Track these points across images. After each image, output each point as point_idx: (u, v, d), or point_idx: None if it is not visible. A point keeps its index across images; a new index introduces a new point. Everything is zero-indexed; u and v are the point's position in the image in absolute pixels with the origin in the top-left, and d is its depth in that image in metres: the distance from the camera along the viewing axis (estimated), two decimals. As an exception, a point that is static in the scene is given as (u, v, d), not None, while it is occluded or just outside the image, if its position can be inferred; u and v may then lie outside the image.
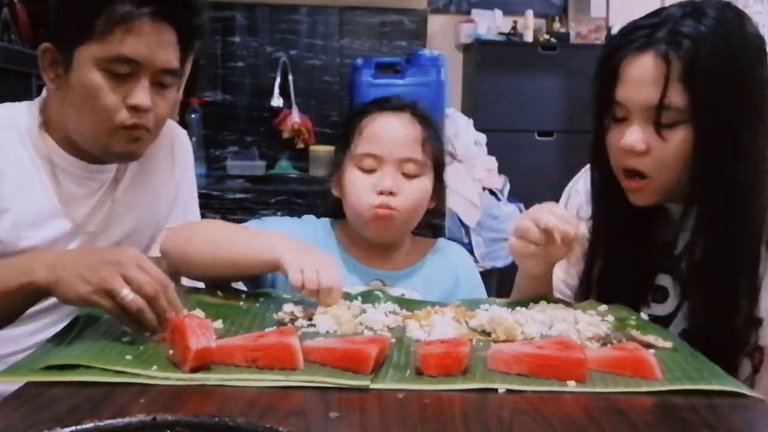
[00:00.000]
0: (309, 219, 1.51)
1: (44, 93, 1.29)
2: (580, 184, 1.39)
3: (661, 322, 1.18)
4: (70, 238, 1.27)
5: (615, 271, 1.25)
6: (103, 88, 1.17)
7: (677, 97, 1.08)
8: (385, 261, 1.44)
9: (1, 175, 1.21)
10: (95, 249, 1.14)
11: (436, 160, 1.44)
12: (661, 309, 1.23)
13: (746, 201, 1.11)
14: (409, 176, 1.39)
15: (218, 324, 1.07)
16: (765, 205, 1.13)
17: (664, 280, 1.23)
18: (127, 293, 0.94)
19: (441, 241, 1.56)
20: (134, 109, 1.18)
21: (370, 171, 1.39)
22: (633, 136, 1.12)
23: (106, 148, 1.21)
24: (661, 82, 1.08)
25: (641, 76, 1.11)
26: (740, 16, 1.13)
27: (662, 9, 1.16)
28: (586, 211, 1.33)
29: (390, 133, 1.40)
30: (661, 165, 1.12)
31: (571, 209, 1.37)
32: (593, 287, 1.28)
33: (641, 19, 1.17)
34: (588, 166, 1.32)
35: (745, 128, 1.10)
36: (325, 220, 1.50)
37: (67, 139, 1.26)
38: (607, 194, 1.24)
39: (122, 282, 0.95)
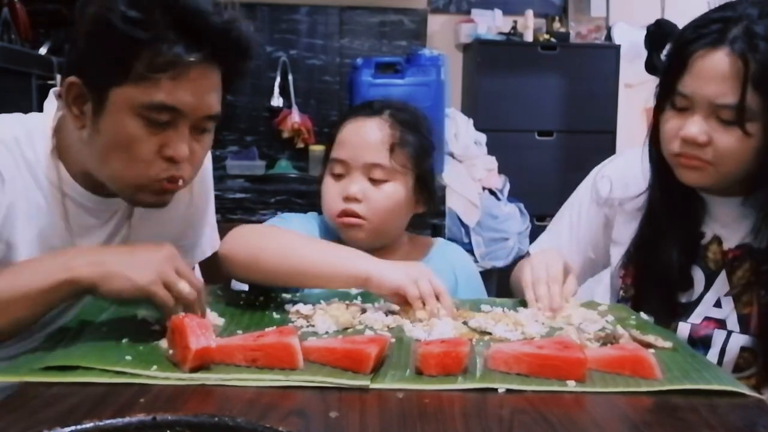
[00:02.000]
0: (313, 216, 1.52)
1: (52, 105, 1.16)
2: (608, 171, 1.40)
3: (683, 308, 1.23)
4: None
5: (664, 255, 1.25)
6: (139, 137, 1.04)
7: (752, 97, 1.08)
8: None
9: (4, 207, 1.10)
10: (137, 245, 1.08)
11: (415, 165, 1.40)
12: (684, 296, 1.25)
13: None
14: (376, 182, 1.37)
15: (219, 320, 1.08)
16: None
17: (692, 269, 1.25)
18: (183, 286, 0.96)
19: (440, 241, 1.55)
20: (170, 160, 1.06)
21: (338, 177, 1.39)
22: (695, 127, 1.13)
23: (134, 198, 1.11)
24: (734, 81, 1.08)
25: (713, 72, 1.11)
26: None
27: (736, 2, 1.15)
28: (615, 193, 1.35)
29: (357, 138, 1.39)
30: (723, 155, 1.13)
31: (600, 194, 1.38)
32: (639, 270, 1.30)
33: (713, 11, 1.16)
34: (615, 158, 1.39)
35: None
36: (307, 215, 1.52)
37: (82, 171, 1.14)
38: (665, 177, 1.24)
39: (176, 276, 0.97)
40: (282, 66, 3.43)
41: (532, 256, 1.29)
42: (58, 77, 1.24)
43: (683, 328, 1.24)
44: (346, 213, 1.37)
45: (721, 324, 1.22)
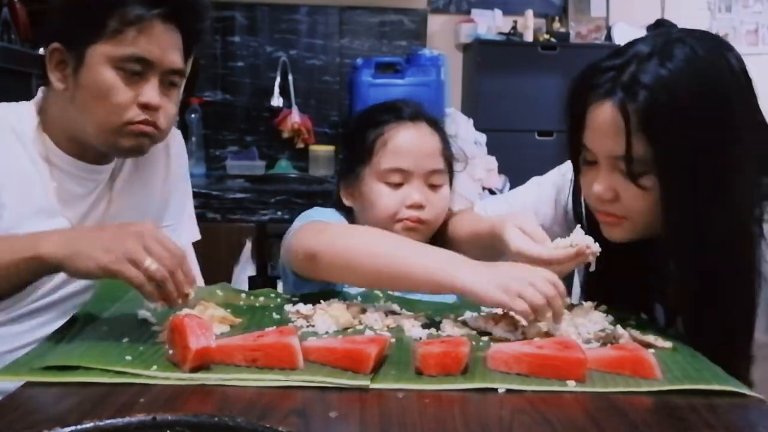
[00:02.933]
0: (332, 212, 1.48)
1: (39, 94, 1.30)
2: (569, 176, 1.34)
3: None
4: None
5: (614, 292, 1.21)
6: (116, 86, 1.19)
7: (640, 148, 1.04)
8: None
9: None
10: (108, 225, 1.12)
11: (450, 166, 1.46)
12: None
13: (731, 253, 1.06)
14: (435, 187, 1.40)
15: (235, 320, 1.08)
16: (757, 259, 1.07)
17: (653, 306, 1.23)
18: (150, 263, 0.96)
19: None
20: (145, 107, 1.21)
21: (396, 185, 1.39)
22: (599, 185, 1.11)
23: (115, 143, 1.22)
24: (622, 134, 1.04)
25: (602, 126, 1.08)
26: (718, 52, 1.07)
27: (632, 44, 1.11)
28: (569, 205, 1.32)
29: (416, 146, 1.40)
30: (632, 209, 1.10)
31: (560, 201, 1.37)
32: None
33: (607, 58, 1.12)
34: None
35: (718, 175, 1.04)
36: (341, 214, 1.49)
37: (66, 139, 1.26)
38: (598, 228, 1.18)
39: (145, 252, 0.96)
40: (282, 66, 3.43)
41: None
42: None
43: (632, 310, 1.20)
44: (409, 219, 1.38)
45: None
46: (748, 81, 1.08)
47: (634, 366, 0.91)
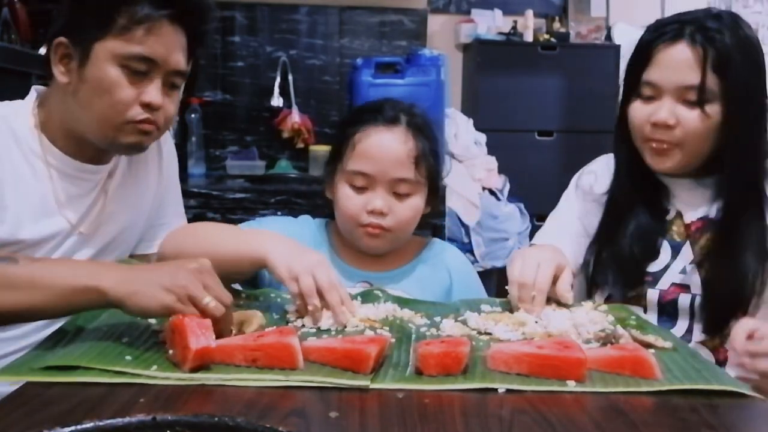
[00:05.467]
0: (305, 219, 1.50)
1: (33, 93, 1.30)
2: (593, 166, 1.52)
3: (652, 277, 1.35)
4: (65, 237, 1.27)
5: (627, 230, 1.37)
6: (120, 83, 1.20)
7: (711, 79, 1.25)
8: (375, 262, 1.43)
9: None
10: (166, 263, 1.12)
11: (431, 174, 1.40)
12: (653, 266, 1.36)
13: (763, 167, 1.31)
14: (401, 195, 1.37)
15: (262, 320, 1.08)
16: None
17: (659, 243, 1.37)
18: (209, 300, 0.96)
19: (434, 242, 1.53)
20: (147, 106, 1.22)
21: (361, 189, 1.36)
22: (664, 111, 1.28)
23: (115, 139, 1.23)
24: (696, 67, 1.25)
25: (677, 59, 1.27)
26: (747, 25, 1.32)
27: (684, 13, 1.33)
28: (597, 186, 1.47)
29: (383, 151, 1.35)
30: (689, 134, 1.27)
31: (582, 186, 1.51)
32: (604, 248, 1.40)
33: (667, 18, 1.35)
34: (600, 157, 1.51)
35: (761, 105, 1.30)
36: (320, 221, 1.50)
37: (63, 136, 1.27)
38: (631, 164, 1.38)
39: (203, 291, 0.97)
40: (282, 66, 3.43)
41: (526, 249, 1.35)
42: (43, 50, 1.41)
43: (652, 294, 1.35)
44: (370, 225, 1.36)
45: (685, 289, 1.33)
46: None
47: (634, 366, 0.91)
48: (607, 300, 1.37)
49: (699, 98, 1.25)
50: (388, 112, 1.40)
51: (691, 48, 1.26)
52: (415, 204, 1.39)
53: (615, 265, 1.38)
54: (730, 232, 1.30)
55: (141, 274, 1.00)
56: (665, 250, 1.36)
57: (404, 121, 1.38)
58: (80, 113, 1.23)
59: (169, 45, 1.22)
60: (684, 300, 1.33)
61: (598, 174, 1.48)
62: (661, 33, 1.30)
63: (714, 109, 1.26)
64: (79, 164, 1.29)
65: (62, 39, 1.21)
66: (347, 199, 1.37)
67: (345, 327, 1.09)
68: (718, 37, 1.26)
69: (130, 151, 1.30)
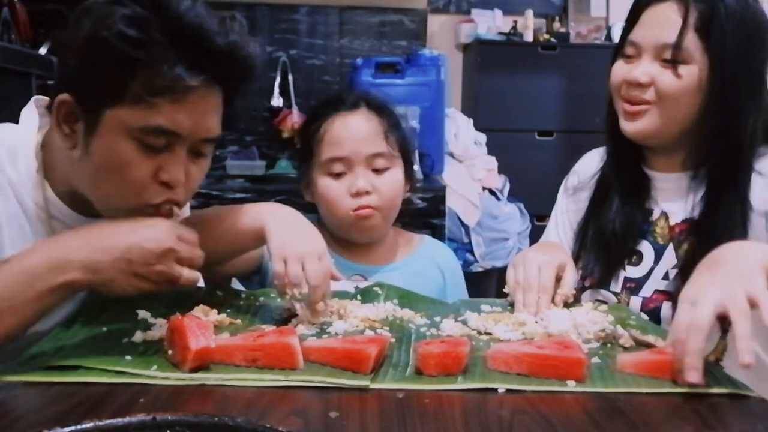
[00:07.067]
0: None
1: (34, 118, 1.11)
2: (577, 165, 1.50)
3: (635, 283, 1.29)
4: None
5: (612, 219, 1.33)
6: (133, 161, 0.98)
7: (691, 41, 1.19)
8: (367, 255, 1.45)
9: None
10: (126, 224, 0.97)
11: (402, 147, 1.44)
12: (635, 271, 1.31)
13: (750, 147, 1.22)
14: (380, 171, 1.39)
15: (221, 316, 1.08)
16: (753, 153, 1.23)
17: (642, 245, 1.31)
18: (188, 274, 0.94)
19: (426, 239, 1.56)
20: (165, 185, 1.01)
21: (340, 175, 1.38)
22: (638, 69, 1.23)
23: None
24: (676, 25, 1.19)
25: (659, 18, 1.22)
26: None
27: None
28: (579, 184, 1.44)
29: (351, 132, 1.39)
30: (664, 95, 1.22)
31: (567, 186, 1.48)
32: (586, 240, 1.37)
33: None
34: (586, 154, 1.48)
35: (754, 78, 1.22)
36: (312, 215, 1.51)
37: (69, 191, 1.09)
38: (618, 153, 1.35)
39: (179, 268, 0.94)
40: (282, 66, 3.43)
41: (525, 252, 1.30)
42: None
43: (635, 302, 1.29)
44: (360, 207, 1.37)
45: (669, 296, 1.26)
46: None
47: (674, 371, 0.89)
48: (594, 287, 1.35)
49: (672, 56, 1.20)
50: (347, 99, 1.44)
51: (676, 5, 1.21)
52: (396, 178, 1.41)
53: (598, 245, 1.33)
54: (709, 231, 1.22)
55: (106, 258, 0.91)
56: (648, 253, 1.30)
57: (364, 104, 1.43)
58: (86, 185, 1.03)
59: (198, 113, 0.99)
60: (666, 309, 1.25)
61: (580, 172, 1.46)
62: None
63: (690, 71, 1.20)
64: (85, 219, 1.10)
65: (66, 97, 0.99)
66: (329, 189, 1.39)
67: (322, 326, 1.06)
68: (711, 0, 1.19)
69: None
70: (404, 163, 1.45)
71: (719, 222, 1.21)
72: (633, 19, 1.27)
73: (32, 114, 1.13)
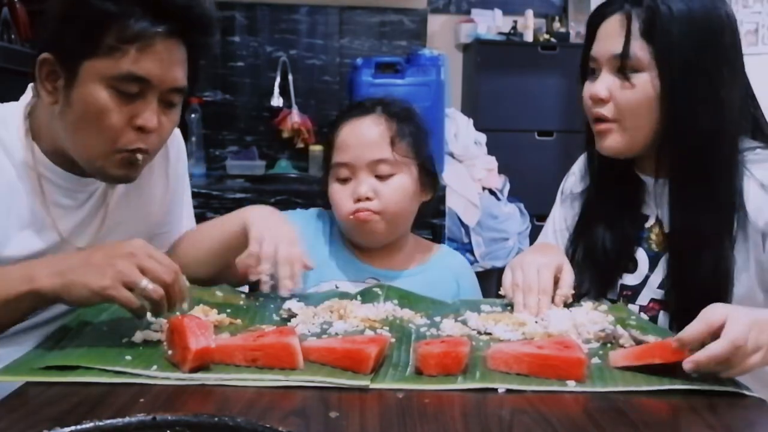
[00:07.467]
0: (319, 211, 1.53)
1: (28, 96, 1.21)
2: (574, 167, 1.47)
3: (631, 291, 1.28)
4: (56, 251, 1.18)
5: (601, 237, 1.32)
6: (109, 108, 1.08)
7: (639, 48, 1.18)
8: (384, 260, 1.45)
9: None
10: (99, 247, 1.05)
11: (417, 154, 1.42)
12: (631, 279, 1.30)
13: (713, 150, 1.19)
14: (383, 177, 1.38)
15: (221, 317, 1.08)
16: (733, 157, 1.20)
17: (637, 252, 1.30)
18: (146, 283, 0.95)
19: (443, 248, 1.57)
20: (140, 130, 1.11)
21: (345, 180, 1.39)
22: (597, 85, 1.23)
23: (102, 170, 1.14)
24: (623, 35, 1.19)
25: (609, 31, 1.22)
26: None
27: None
28: (576, 186, 1.43)
29: (356, 138, 1.39)
30: (623, 109, 1.21)
31: (564, 188, 1.47)
32: (579, 250, 1.35)
33: None
34: (582, 156, 1.43)
35: (707, 78, 1.18)
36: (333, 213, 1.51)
37: (56, 150, 1.17)
38: (601, 164, 1.32)
39: (140, 273, 0.95)
40: (282, 66, 3.43)
41: (523, 255, 1.29)
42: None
43: (632, 310, 1.27)
44: (359, 210, 1.37)
45: (664, 305, 1.25)
46: (735, 28, 1.22)
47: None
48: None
49: (622, 65, 1.19)
50: (366, 104, 1.45)
51: (621, 17, 1.20)
52: (401, 184, 1.40)
53: (589, 264, 1.32)
54: (682, 241, 1.21)
55: (71, 264, 0.98)
56: (642, 260, 1.29)
57: (379, 110, 1.43)
58: (67, 137, 1.13)
59: (165, 62, 1.10)
60: (663, 319, 1.25)
61: (577, 173, 1.45)
62: (607, 3, 1.26)
63: (642, 79, 1.18)
64: (74, 176, 1.20)
65: (47, 56, 1.10)
66: (335, 193, 1.41)
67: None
68: (653, 4, 1.18)
69: (118, 182, 1.21)
70: (421, 169, 1.43)
71: (695, 231, 1.19)
72: (590, 36, 1.27)
73: (27, 95, 1.23)
